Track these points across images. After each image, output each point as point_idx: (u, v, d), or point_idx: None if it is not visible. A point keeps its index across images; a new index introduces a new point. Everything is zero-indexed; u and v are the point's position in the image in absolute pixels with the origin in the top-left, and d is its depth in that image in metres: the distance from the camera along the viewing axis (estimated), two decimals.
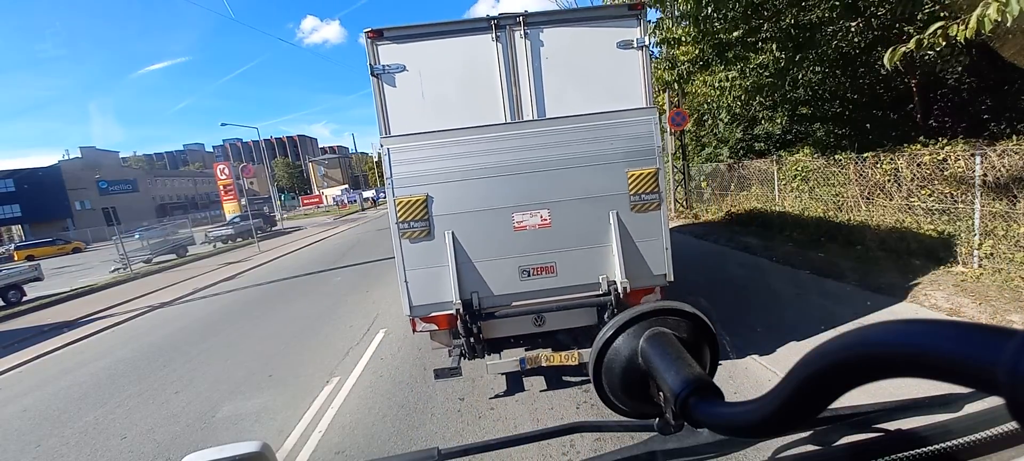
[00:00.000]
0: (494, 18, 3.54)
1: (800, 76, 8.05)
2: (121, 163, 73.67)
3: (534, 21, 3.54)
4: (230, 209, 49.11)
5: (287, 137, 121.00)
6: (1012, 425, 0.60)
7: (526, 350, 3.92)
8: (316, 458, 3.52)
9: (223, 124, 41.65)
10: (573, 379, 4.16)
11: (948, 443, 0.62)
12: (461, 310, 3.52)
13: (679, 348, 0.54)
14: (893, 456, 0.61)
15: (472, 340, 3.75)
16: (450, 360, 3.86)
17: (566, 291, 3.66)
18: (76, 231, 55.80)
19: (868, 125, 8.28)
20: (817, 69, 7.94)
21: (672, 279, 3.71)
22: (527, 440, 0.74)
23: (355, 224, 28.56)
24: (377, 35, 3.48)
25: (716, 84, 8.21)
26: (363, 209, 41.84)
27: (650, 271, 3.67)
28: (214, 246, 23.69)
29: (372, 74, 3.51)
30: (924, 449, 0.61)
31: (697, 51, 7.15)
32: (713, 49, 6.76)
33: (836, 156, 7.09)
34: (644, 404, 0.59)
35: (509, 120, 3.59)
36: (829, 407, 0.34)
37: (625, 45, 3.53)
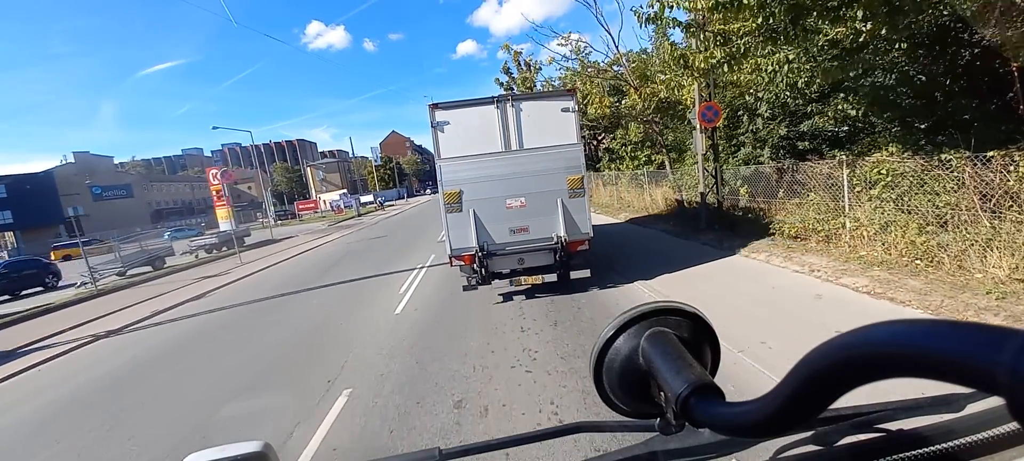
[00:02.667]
0: (496, 97, 6.32)
1: (878, 58, 6.49)
2: (116, 168, 72.28)
3: (517, 98, 6.38)
4: (223, 216, 47.81)
5: (286, 141, 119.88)
6: (1013, 425, 0.59)
7: (511, 279, 6.73)
8: None
9: (214, 127, 40.24)
10: (541, 294, 6.99)
11: (949, 443, 0.62)
12: (478, 251, 6.31)
13: (680, 348, 0.54)
14: (894, 456, 0.61)
15: (483, 271, 6.41)
16: (471, 282, 6.62)
17: (535, 241, 6.43)
18: (68, 238, 54.40)
19: (966, 117, 6.66)
20: (903, 45, 6.37)
21: (592, 235, 6.55)
22: (527, 440, 0.76)
23: (349, 231, 26.99)
24: (435, 106, 6.23)
25: (769, 67, 6.64)
26: (359, 215, 40.23)
27: (579, 230, 6.43)
28: (196, 256, 22.11)
29: (432, 126, 6.25)
30: (925, 449, 0.62)
31: (755, 22, 5.59)
32: (786, 12, 5.18)
33: (941, 155, 5.47)
34: (645, 404, 0.59)
35: (503, 149, 6.31)
36: (830, 407, 0.34)
37: (565, 110, 6.33)
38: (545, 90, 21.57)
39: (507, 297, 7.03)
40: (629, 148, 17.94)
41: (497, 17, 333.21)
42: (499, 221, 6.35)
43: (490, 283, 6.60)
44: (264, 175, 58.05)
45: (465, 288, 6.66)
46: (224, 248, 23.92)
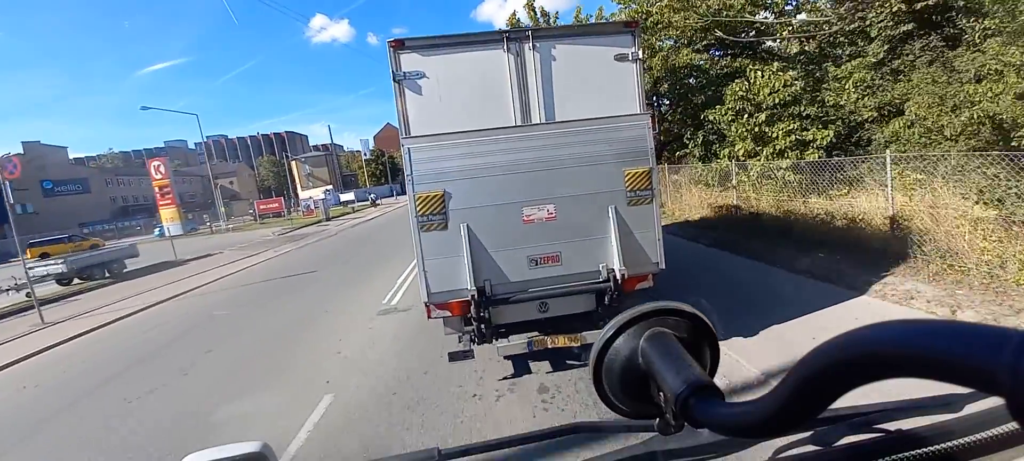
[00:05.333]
0: (506, 32, 3.86)
1: None
2: (73, 162, 64.29)
3: (542, 35, 3.87)
4: (168, 216, 39.57)
5: (274, 134, 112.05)
6: (1012, 425, 0.59)
7: (528, 335, 4.18)
8: None
9: (144, 107, 31.63)
10: (576, 362, 4.30)
11: (948, 443, 0.62)
12: (475, 297, 3.71)
13: (679, 348, 0.53)
14: (893, 456, 0.61)
15: (482, 325, 3.94)
16: (461, 345, 4.10)
17: (570, 279, 3.92)
18: (17, 238, 46.77)
19: None
20: None
21: (663, 266, 4.04)
22: (527, 441, 0.75)
23: (294, 246, 18.83)
24: (399, 45, 3.74)
25: None
26: (327, 218, 32.04)
27: (645, 258, 4.00)
28: (27, 295, 13.77)
29: (394, 80, 3.75)
30: (924, 449, 0.61)
31: None
32: None
33: None
34: (644, 404, 0.58)
35: (518, 123, 3.85)
36: (830, 407, 0.34)
37: (621, 58, 3.88)
38: (585, 23, 13.18)
39: (519, 367, 4.42)
40: (756, 118, 9.41)
41: (501, 12, 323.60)
42: (511, 244, 3.86)
43: (492, 341, 4.06)
44: (210, 172, 49.93)
45: (453, 357, 3.98)
46: (88, 275, 15.69)
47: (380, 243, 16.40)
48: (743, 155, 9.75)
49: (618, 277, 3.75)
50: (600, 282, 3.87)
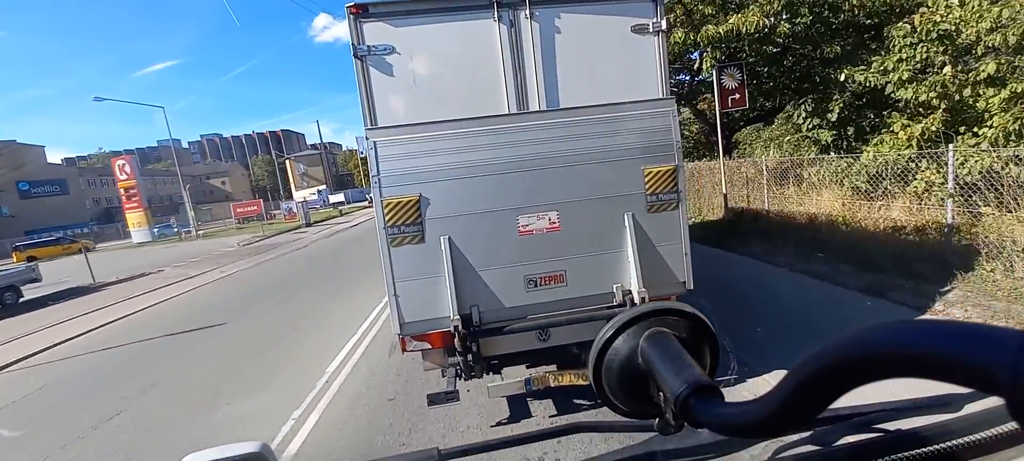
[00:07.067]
0: None
1: None
2: (47, 161, 60.62)
3: (541, 0, 3.21)
4: (135, 221, 35.72)
5: (270, 132, 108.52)
6: (1012, 425, 0.59)
7: (527, 366, 3.71)
8: None
9: (97, 98, 27.93)
10: (585, 401, 3.71)
11: (948, 443, 0.61)
12: (459, 327, 3.11)
13: (679, 348, 0.53)
14: (893, 456, 0.61)
15: (470, 358, 3.27)
16: (445, 383, 3.48)
17: (576, 302, 3.34)
18: None
19: None
20: None
21: (692, 286, 3.40)
22: (527, 440, 0.75)
23: (252, 262, 15.05)
24: (361, 11, 3.08)
25: None
26: (309, 224, 28.23)
27: (669, 277, 3.37)
28: None
29: (355, 56, 3.11)
30: (924, 449, 0.61)
31: None
32: None
33: None
34: (644, 404, 0.58)
35: (512, 109, 3.29)
36: (830, 407, 0.34)
37: (640, 30, 3.27)
38: None
39: (515, 410, 3.76)
40: (972, 72, 5.37)
41: None
42: (504, 261, 3.22)
43: (482, 376, 3.45)
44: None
45: (432, 401, 3.31)
46: None
47: (350, 262, 12.66)
48: (932, 136, 5.71)
49: (636, 300, 3.17)
50: (614, 306, 3.29)
